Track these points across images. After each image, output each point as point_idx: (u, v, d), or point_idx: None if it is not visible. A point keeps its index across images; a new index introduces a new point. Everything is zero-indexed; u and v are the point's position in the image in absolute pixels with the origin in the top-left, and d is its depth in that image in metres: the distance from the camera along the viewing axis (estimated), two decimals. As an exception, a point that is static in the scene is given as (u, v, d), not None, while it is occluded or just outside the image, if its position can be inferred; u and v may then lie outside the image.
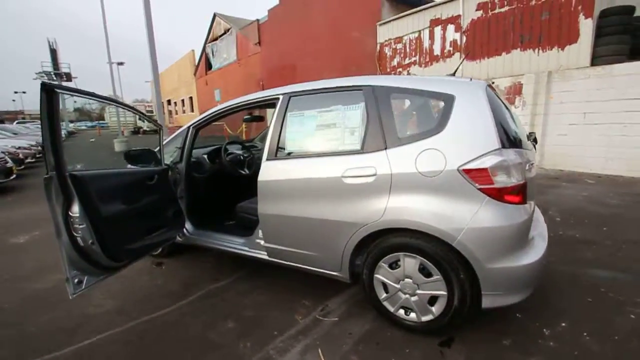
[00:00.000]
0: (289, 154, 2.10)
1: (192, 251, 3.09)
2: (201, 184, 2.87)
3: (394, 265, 1.82)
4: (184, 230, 2.68)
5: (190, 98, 26.16)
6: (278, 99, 2.22)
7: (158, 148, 2.69)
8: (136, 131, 26.87)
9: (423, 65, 10.09)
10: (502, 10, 8.37)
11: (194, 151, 2.84)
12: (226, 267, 2.79)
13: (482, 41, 8.82)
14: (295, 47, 14.44)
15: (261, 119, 3.65)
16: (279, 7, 15.25)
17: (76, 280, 1.79)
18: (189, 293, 2.39)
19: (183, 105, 27.70)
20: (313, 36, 13.47)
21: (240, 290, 2.40)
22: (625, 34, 6.69)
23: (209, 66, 23.01)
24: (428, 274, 1.73)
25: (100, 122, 46.76)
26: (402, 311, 1.86)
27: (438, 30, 9.72)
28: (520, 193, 1.59)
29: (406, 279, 1.79)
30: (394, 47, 10.91)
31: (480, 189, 1.55)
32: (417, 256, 1.72)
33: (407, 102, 1.99)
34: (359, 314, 2.04)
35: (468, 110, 1.65)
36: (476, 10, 8.84)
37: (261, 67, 17.15)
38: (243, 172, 3.01)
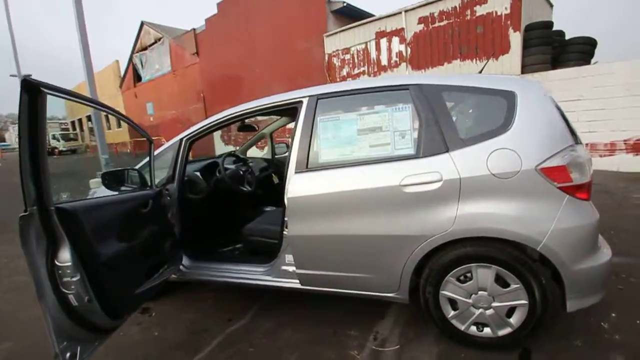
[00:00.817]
0: (324, 164, 1.82)
1: (183, 289, 2.58)
2: (197, 207, 2.41)
3: (463, 278, 1.65)
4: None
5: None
6: (301, 102, 1.95)
7: (140, 166, 2.20)
8: (50, 152, 23.31)
9: (372, 74, 10.44)
10: (442, 24, 9.06)
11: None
12: (232, 303, 2.36)
13: (426, 52, 9.43)
14: (238, 58, 13.94)
15: (252, 128, 3.26)
16: (217, 17, 14.65)
17: (68, 355, 1.29)
18: (204, 342, 1.93)
19: (107, 120, 24.92)
20: (257, 46, 13.15)
21: (266, 330, 2.01)
22: (547, 45, 7.69)
23: (137, 78, 21.15)
24: (505, 284, 1.59)
25: (1, 143, 39.77)
26: (473, 327, 1.70)
27: (384, 42, 10.16)
28: (589, 189, 1.55)
29: (480, 292, 1.63)
30: (342, 57, 11.12)
31: (560, 188, 1.47)
32: (493, 265, 1.58)
33: (460, 101, 1.87)
34: (418, 338, 1.83)
35: (534, 107, 1.57)
36: (418, 23, 9.44)
37: (201, 78, 16.23)
38: (245, 190, 2.61)
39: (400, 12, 9.61)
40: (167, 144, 2.28)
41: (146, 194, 1.87)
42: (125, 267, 1.53)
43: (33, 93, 1.09)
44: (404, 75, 1.62)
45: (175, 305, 2.39)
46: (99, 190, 2.50)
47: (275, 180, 3.33)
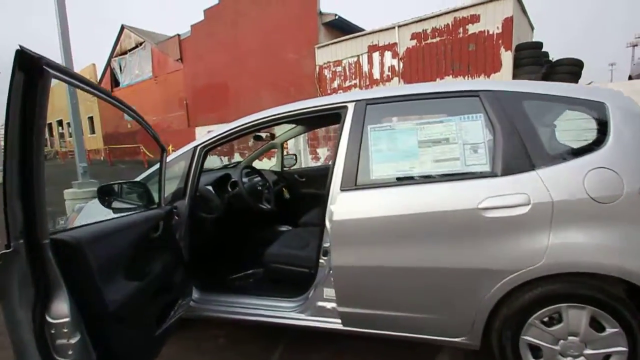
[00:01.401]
0: (378, 181, 1.53)
1: (187, 325, 2.17)
2: (209, 228, 2.04)
3: (549, 320, 1.39)
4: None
5: (91, 118, 22.53)
6: (345, 108, 1.66)
7: (143, 178, 1.83)
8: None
9: (364, 88, 10.38)
10: (434, 40, 9.15)
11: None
12: (249, 343, 1.98)
13: (418, 67, 9.47)
14: (225, 66, 13.58)
15: (260, 138, 2.93)
16: (203, 23, 14.30)
17: None
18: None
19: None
20: (245, 55, 12.86)
21: (298, 380, 1.66)
22: (537, 65, 7.88)
23: (115, 83, 20.28)
24: (600, 327, 1.34)
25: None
26: (559, 379, 1.43)
27: (376, 55, 10.15)
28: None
29: (570, 337, 1.37)
30: (333, 69, 11.02)
31: (670, 215, 1.25)
32: (588, 306, 1.33)
33: (542, 111, 1.64)
34: (486, 389, 1.54)
35: (628, 120, 1.36)
36: (410, 39, 9.50)
37: (184, 85, 15.70)
38: (264, 208, 2.27)
39: (393, 27, 9.65)
40: (176, 153, 1.92)
41: (157, 215, 1.50)
42: (137, 314, 1.16)
43: (32, 72, 0.75)
44: (473, 80, 1.45)
45: (179, 347, 1.98)
46: (86, 208, 2.08)
47: (286, 195, 3.00)
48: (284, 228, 2.71)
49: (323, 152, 10.36)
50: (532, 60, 7.87)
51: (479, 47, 8.46)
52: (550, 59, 8.56)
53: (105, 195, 1.54)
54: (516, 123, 1.42)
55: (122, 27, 19.54)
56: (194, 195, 1.85)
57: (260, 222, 2.62)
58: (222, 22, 13.40)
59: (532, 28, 10.91)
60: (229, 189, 2.24)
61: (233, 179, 2.30)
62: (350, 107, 1.65)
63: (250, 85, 12.60)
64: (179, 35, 15.54)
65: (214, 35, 13.76)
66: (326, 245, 1.63)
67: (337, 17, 11.05)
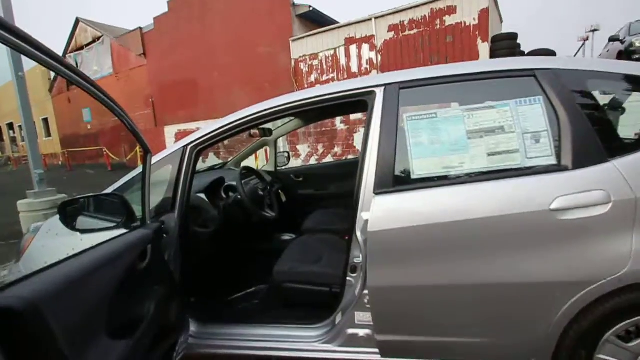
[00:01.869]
0: (420, 181, 1.27)
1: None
2: (205, 245, 1.69)
3: (627, 335, 1.19)
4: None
5: (46, 120, 20.80)
6: (373, 93, 1.38)
7: (118, 188, 1.46)
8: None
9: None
10: (412, 32, 9.05)
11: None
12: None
13: (397, 60, 9.35)
14: (194, 61, 12.85)
15: (262, 133, 2.58)
16: (168, 15, 13.46)
17: None
18: None
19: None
20: (215, 49, 12.22)
21: None
22: (512, 56, 7.98)
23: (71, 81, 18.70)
24: (685, 341, 1.16)
25: None
26: (638, 403, 1.24)
27: (354, 48, 9.93)
28: None
29: (653, 355, 1.18)
30: (309, 63, 10.68)
31: None
32: (674, 318, 1.14)
33: (609, 92, 1.43)
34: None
35: None
36: (388, 31, 9.35)
37: (149, 81, 14.75)
38: (268, 216, 1.94)
39: (370, 19, 9.46)
40: (160, 155, 1.55)
41: (143, 237, 1.15)
42: None
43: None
44: (526, 57, 1.25)
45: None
46: (44, 228, 1.66)
47: (283, 198, 2.68)
48: (287, 237, 2.40)
49: (304, 149, 10.04)
50: (508, 51, 7.93)
51: (457, 38, 8.45)
52: (522, 50, 8.72)
53: (71, 214, 1.17)
54: (582, 106, 1.20)
55: (77, 21, 18.12)
56: (186, 206, 1.49)
57: (259, 232, 2.29)
58: (187, 15, 12.65)
59: (502, 21, 11.14)
60: (224, 196, 1.90)
61: (228, 183, 1.96)
62: (379, 92, 1.37)
63: (222, 81, 11.99)
64: (140, 28, 14.56)
65: (180, 28, 12.98)
66: (357, 260, 1.35)
67: (311, 8, 10.70)
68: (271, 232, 2.43)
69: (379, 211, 1.25)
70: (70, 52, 18.41)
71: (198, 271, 1.67)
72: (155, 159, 1.53)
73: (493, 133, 1.25)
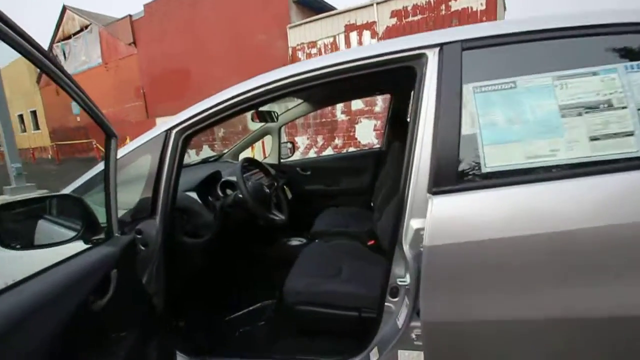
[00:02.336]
0: (495, 175, 0.92)
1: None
2: (196, 259, 1.33)
3: None
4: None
5: (34, 112, 20.14)
6: (422, 57, 1.02)
7: (78, 187, 1.10)
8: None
9: (342, 70, 9.70)
10: (415, 18, 8.64)
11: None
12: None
13: (399, 47, 8.94)
14: (186, 50, 12.32)
15: (266, 117, 2.20)
16: (158, 2, 12.85)
17: None
18: None
19: (22, 122, 21.02)
20: (208, 37, 11.70)
21: None
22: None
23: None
24: None
25: None
26: None
27: (354, 35, 9.49)
28: None
29: None
30: (307, 51, 10.22)
31: None
32: None
33: None
34: None
35: None
36: (390, 17, 8.93)
37: (140, 71, 14.19)
38: (277, 219, 1.57)
39: (371, 4, 9.01)
40: (135, 143, 1.17)
41: (104, 259, 0.79)
42: None
43: None
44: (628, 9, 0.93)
45: None
46: None
47: (288, 194, 2.32)
48: (295, 242, 2.04)
49: (302, 141, 9.65)
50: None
51: (462, 23, 8.06)
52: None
53: (5, 224, 0.80)
54: None
55: (64, 8, 17.37)
56: (171, 209, 1.13)
57: (262, 237, 1.93)
58: (179, 1, 12.07)
59: (505, 8, 10.76)
60: (220, 194, 1.53)
61: (225, 179, 1.60)
62: (432, 55, 1.01)
63: (216, 70, 11.49)
64: (130, 16, 13.93)
65: (171, 15, 12.41)
66: (401, 282, 1.01)
67: (309, -6, 10.23)
68: (275, 236, 2.07)
69: (439, 217, 0.90)
70: (57, 42, 17.69)
71: (188, 288, 1.31)
72: (128, 148, 1.16)
73: (597, 110, 0.90)
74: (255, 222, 1.51)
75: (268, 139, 2.65)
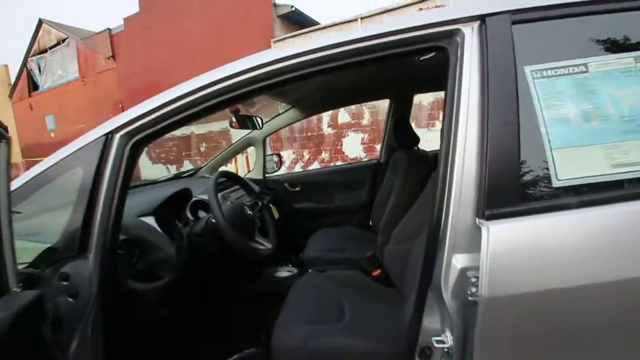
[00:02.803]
0: (573, 191, 0.65)
1: None
2: (153, 308, 0.99)
3: None
4: None
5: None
6: (457, 34, 0.77)
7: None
8: None
9: (327, 84, 9.59)
10: (400, 32, 8.65)
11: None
12: None
13: (385, 61, 8.91)
14: (167, 64, 12.00)
15: (246, 122, 1.91)
16: (139, 16, 12.61)
17: None
18: None
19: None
20: (192, 50, 11.45)
21: None
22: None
23: (34, 86, 17.51)
24: None
25: None
26: None
27: (339, 49, 9.41)
28: None
29: None
30: (292, 65, 10.07)
31: None
32: None
33: None
34: None
35: None
36: (375, 31, 8.90)
37: (119, 86, 13.74)
38: (262, 248, 1.25)
39: (356, 19, 9.01)
40: (63, 151, 0.85)
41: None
42: None
43: None
44: None
45: None
46: None
47: (275, 214, 2.01)
48: (283, 272, 1.72)
49: (288, 155, 9.36)
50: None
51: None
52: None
53: None
54: None
55: (40, 22, 16.91)
56: (112, 242, 0.80)
57: (242, 268, 1.59)
58: (161, 14, 11.87)
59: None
60: (190, 218, 1.22)
61: (197, 198, 1.29)
62: (470, 31, 0.76)
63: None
64: (109, 29, 13.62)
65: (153, 28, 12.15)
66: (437, 342, 0.71)
67: (293, 9, 10.18)
68: (259, 267, 1.74)
69: (502, 252, 0.62)
70: (32, 56, 17.07)
71: (143, 351, 0.97)
72: (52, 159, 0.84)
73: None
74: (234, 254, 1.19)
75: (253, 153, 2.35)
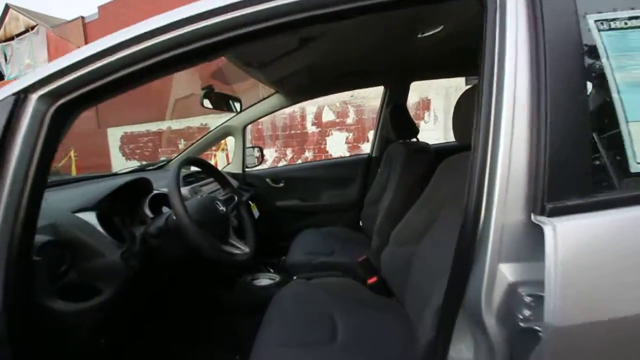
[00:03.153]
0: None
1: None
2: (83, 336, 0.75)
3: None
4: None
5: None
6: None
7: None
8: None
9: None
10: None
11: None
12: None
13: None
14: (145, 54, 11.48)
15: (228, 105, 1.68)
16: (115, 3, 12.11)
17: None
18: None
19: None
20: (171, 42, 10.99)
21: None
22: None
23: (0, 75, 16.55)
24: None
25: None
26: None
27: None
28: None
29: None
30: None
31: None
32: None
33: None
34: None
35: None
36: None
37: (92, 77, 13.08)
38: (238, 254, 1.03)
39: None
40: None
41: None
42: None
43: None
44: None
45: None
46: None
47: (255, 213, 1.80)
48: (264, 280, 1.50)
49: (270, 153, 9.09)
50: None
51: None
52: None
53: None
54: None
55: (7, 7, 16.02)
56: (25, 245, 0.58)
57: (213, 274, 1.35)
58: (137, 2, 11.40)
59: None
60: (150, 215, 0.99)
61: (158, 191, 1.07)
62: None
63: (178, 76, 10.76)
64: (82, 17, 13.01)
65: (129, 16, 11.59)
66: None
67: None
68: (235, 273, 1.51)
69: (575, 260, 0.44)
70: (-2, 42, 16.06)
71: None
72: None
73: None
74: (203, 258, 0.97)
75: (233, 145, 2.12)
